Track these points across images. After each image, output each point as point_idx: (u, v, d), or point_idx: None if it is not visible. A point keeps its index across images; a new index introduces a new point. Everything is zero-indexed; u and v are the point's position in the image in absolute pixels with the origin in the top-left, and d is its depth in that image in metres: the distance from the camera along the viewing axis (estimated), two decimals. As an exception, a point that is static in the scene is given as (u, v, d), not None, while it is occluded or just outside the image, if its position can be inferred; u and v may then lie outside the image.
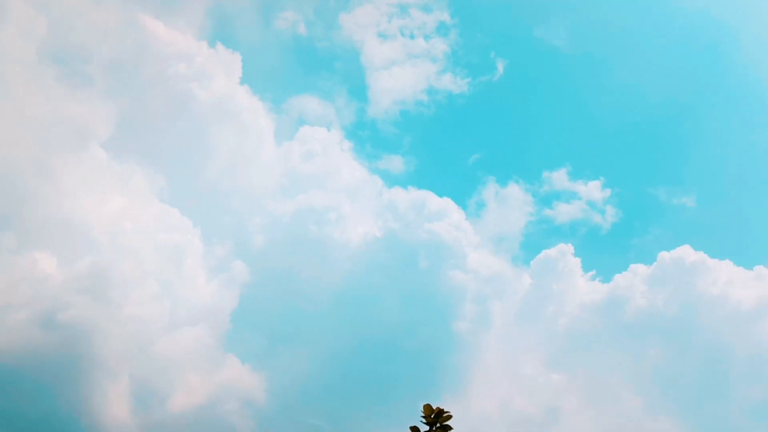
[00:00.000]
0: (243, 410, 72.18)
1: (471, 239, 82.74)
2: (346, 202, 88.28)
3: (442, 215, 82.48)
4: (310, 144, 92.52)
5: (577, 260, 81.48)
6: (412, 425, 7.94)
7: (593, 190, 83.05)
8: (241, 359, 76.17)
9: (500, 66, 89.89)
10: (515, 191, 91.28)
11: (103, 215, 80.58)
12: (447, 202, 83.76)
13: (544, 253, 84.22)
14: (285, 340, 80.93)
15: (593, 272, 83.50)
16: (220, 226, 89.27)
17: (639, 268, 77.71)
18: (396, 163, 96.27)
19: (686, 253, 75.18)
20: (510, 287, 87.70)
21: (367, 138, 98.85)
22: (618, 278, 78.40)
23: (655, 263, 76.55)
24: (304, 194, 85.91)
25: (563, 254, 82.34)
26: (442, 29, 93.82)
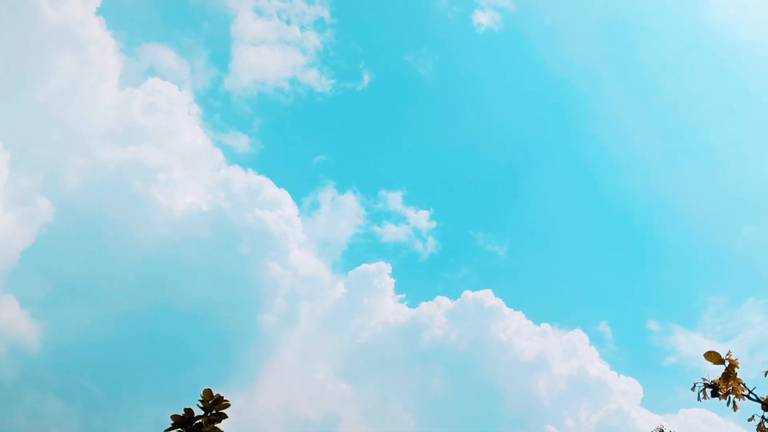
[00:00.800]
0: (9, 357, 66.03)
1: (298, 236, 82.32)
2: (180, 167, 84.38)
3: (275, 205, 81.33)
4: (155, 97, 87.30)
5: (392, 281, 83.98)
6: (187, 407, 7.34)
7: (422, 218, 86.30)
8: (20, 303, 69.84)
9: (366, 78, 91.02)
10: (351, 201, 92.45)
11: None
12: (283, 194, 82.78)
13: (363, 266, 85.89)
14: (77, 292, 75.35)
15: (404, 295, 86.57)
16: (34, 157, 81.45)
17: (443, 301, 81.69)
18: (242, 141, 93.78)
19: (487, 296, 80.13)
20: (323, 292, 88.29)
21: (218, 109, 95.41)
22: (423, 306, 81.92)
23: (458, 299, 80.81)
24: (136, 147, 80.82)
25: (381, 272, 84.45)
26: (319, 25, 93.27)
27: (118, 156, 79.83)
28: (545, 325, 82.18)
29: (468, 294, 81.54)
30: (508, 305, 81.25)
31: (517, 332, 79.38)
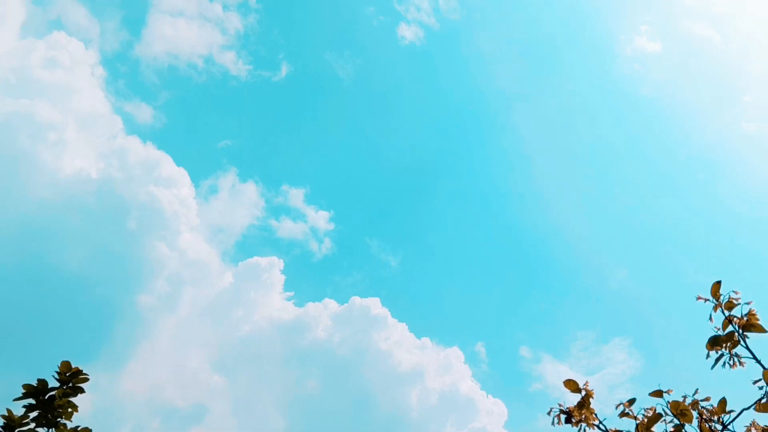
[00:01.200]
0: None
1: (191, 219, 79.86)
2: (74, 129, 79.98)
3: (171, 184, 78.57)
4: (58, 52, 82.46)
5: (282, 277, 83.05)
6: (40, 378, 6.95)
7: (321, 219, 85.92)
8: None
9: (284, 69, 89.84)
10: (251, 191, 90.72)
11: None
12: (181, 174, 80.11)
13: (255, 259, 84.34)
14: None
15: (292, 293, 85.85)
16: None
17: (331, 304, 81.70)
18: (144, 113, 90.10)
19: (374, 304, 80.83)
20: (209, 279, 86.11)
21: (124, 75, 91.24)
22: (310, 306, 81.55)
23: (346, 304, 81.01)
24: (29, 100, 75.99)
25: (272, 267, 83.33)
26: (243, 8, 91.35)
27: (8, 107, 74.79)
28: (426, 339, 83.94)
29: (356, 300, 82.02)
30: (394, 315, 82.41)
31: (398, 343, 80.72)
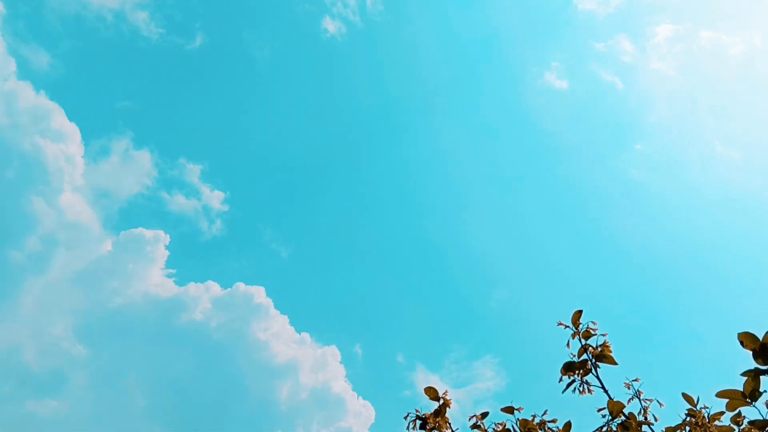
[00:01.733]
0: None
1: (76, 178, 75.81)
2: (-39, 64, 74.29)
3: (59, 138, 74.31)
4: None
5: (166, 253, 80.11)
6: None
7: (215, 198, 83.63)
8: None
9: (198, 40, 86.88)
10: (145, 159, 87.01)
11: None
12: (72, 129, 75.91)
13: (140, 230, 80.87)
14: None
15: (174, 271, 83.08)
16: None
17: (214, 287, 79.81)
18: (41, 59, 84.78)
19: (259, 293, 79.65)
20: (87, 245, 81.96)
21: (26, 15, 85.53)
22: (191, 286, 79.19)
23: (229, 289, 79.49)
24: None
25: (156, 240, 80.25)
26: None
27: None
28: (306, 335, 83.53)
29: (240, 286, 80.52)
30: (277, 307, 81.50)
31: (277, 335, 79.89)
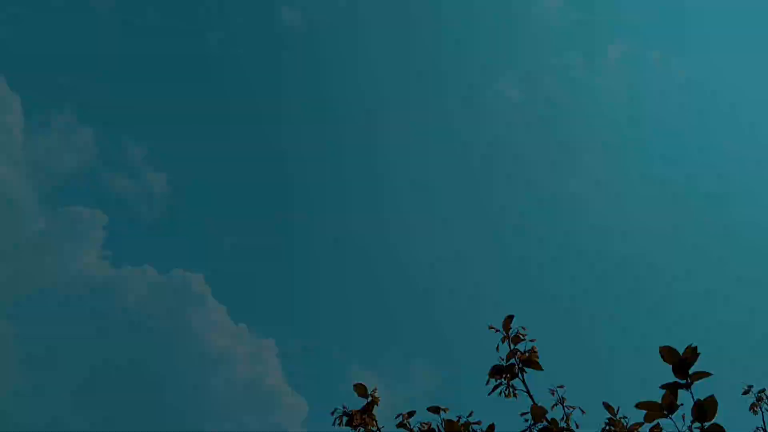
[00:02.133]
0: None
1: (14, 152, 72.90)
2: None
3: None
4: None
5: (103, 233, 78.12)
6: None
7: (159, 181, 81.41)
8: None
9: (151, 17, 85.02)
10: (88, 136, 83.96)
11: None
12: (13, 99, 72.46)
13: (77, 208, 78.31)
14: None
15: (110, 253, 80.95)
16: None
17: (150, 271, 78.10)
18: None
19: (198, 281, 77.80)
20: (19, 221, 78.97)
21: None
22: (126, 270, 77.29)
23: (167, 274, 78.01)
24: None
25: (93, 220, 77.92)
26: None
27: None
28: (243, 326, 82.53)
29: (179, 272, 78.71)
30: (215, 296, 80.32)
31: (213, 324, 78.87)
